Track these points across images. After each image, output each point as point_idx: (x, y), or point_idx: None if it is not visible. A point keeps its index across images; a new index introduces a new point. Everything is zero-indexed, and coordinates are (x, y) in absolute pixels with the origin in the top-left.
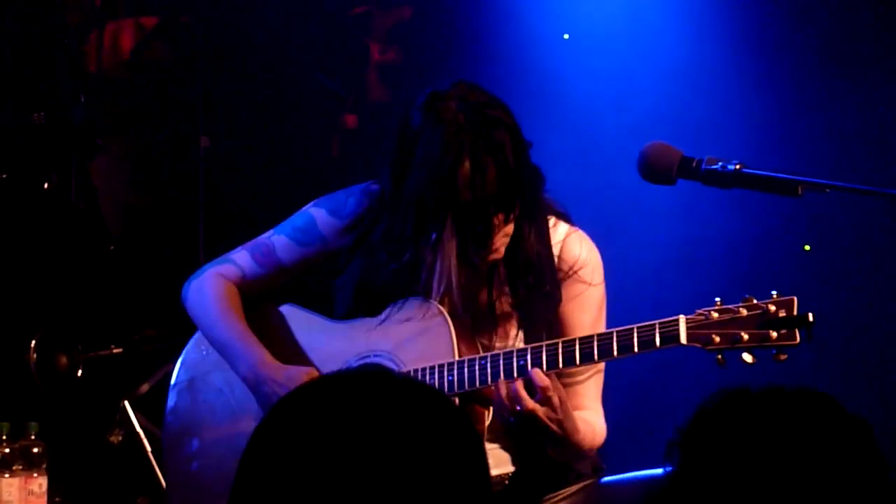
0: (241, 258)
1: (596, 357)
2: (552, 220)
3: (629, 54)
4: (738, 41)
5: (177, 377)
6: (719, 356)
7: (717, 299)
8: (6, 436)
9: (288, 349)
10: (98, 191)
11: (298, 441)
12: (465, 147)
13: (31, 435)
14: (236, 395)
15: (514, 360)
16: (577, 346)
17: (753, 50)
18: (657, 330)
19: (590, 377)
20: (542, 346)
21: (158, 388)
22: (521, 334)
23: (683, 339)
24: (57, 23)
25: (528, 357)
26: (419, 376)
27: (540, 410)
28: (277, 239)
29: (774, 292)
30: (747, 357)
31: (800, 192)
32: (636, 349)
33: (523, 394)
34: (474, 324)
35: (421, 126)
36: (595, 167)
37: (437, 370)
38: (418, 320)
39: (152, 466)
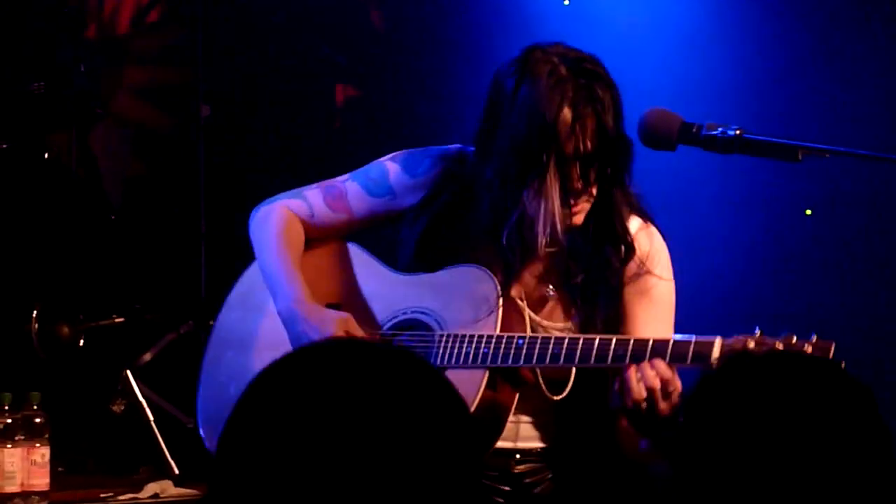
0: (313, 196)
1: (628, 358)
2: (626, 211)
3: (630, 21)
4: (742, 7)
5: (234, 289)
6: None
7: (758, 329)
8: (8, 406)
9: (339, 287)
10: (98, 160)
11: (278, 416)
12: (567, 96)
13: (33, 405)
14: (277, 326)
15: (550, 348)
16: (612, 346)
17: (758, 18)
18: (692, 347)
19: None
20: (578, 339)
21: (160, 358)
22: (575, 319)
23: (714, 363)
24: None
25: (564, 347)
26: (456, 342)
27: (661, 401)
28: (350, 185)
29: (815, 335)
30: None
31: (800, 157)
32: (668, 360)
33: (651, 375)
34: (532, 298)
35: (519, 79)
36: None
37: (474, 340)
38: (473, 287)
39: (155, 436)
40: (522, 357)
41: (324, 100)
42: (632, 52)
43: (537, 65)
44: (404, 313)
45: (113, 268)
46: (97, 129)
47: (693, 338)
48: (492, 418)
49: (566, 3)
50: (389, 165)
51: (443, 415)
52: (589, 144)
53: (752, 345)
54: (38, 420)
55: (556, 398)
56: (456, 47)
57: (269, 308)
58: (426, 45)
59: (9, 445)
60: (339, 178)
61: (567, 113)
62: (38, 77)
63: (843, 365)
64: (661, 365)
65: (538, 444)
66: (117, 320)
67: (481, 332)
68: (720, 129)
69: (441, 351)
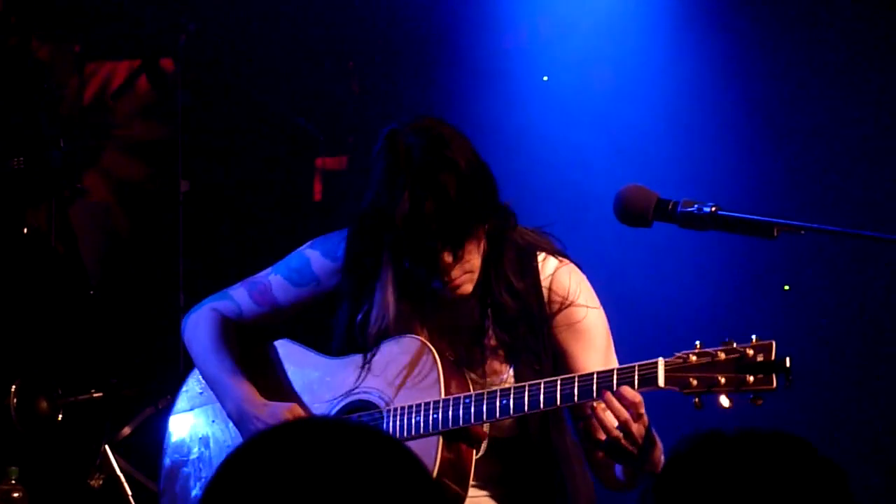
0: (238, 295)
1: (576, 398)
2: (541, 255)
3: (607, 96)
4: (716, 85)
5: (176, 409)
6: (696, 399)
7: (697, 342)
8: None
9: (279, 384)
10: (77, 235)
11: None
12: (405, 181)
13: (11, 479)
14: (230, 428)
15: (497, 399)
16: (559, 387)
17: (732, 93)
18: (636, 372)
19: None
20: (524, 387)
21: (139, 432)
22: (511, 369)
23: (661, 383)
24: (36, 67)
25: (511, 398)
26: (405, 414)
27: (633, 426)
28: (274, 278)
29: (754, 336)
30: (724, 401)
31: (776, 233)
32: (615, 390)
33: (619, 407)
34: (465, 358)
35: (375, 156)
36: (572, 208)
37: (422, 408)
38: (408, 358)
39: None
40: (472, 416)
41: (303, 172)
42: (609, 127)
43: (390, 144)
44: (347, 396)
45: (91, 343)
46: (76, 205)
47: (636, 364)
48: (455, 481)
49: (545, 79)
50: (309, 253)
51: (407, 484)
52: (426, 226)
53: (693, 358)
54: (16, 495)
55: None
56: (439, 114)
57: (213, 416)
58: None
59: None
60: (262, 273)
61: (404, 198)
62: (18, 153)
63: (787, 363)
64: (627, 391)
65: None
66: (95, 395)
67: (427, 400)
68: (696, 206)
69: (392, 425)
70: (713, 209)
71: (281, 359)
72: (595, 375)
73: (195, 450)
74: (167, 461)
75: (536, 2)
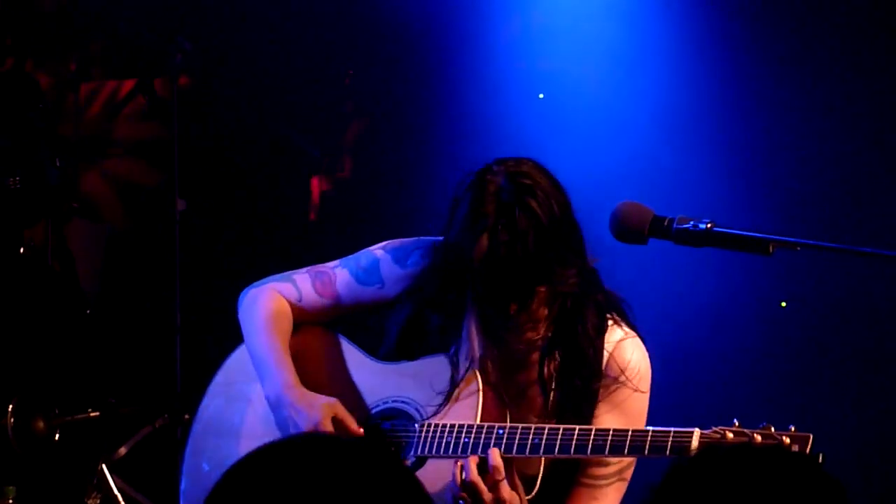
0: (302, 280)
1: (607, 451)
2: (610, 322)
3: (603, 114)
4: (712, 101)
5: (215, 378)
6: None
7: (736, 421)
8: None
9: (323, 376)
10: (74, 254)
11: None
12: (486, 223)
13: (8, 499)
14: (266, 410)
15: (531, 436)
16: (591, 437)
17: (728, 109)
18: (671, 439)
19: (611, 484)
20: (558, 429)
21: (135, 452)
22: (552, 422)
23: (692, 454)
24: (32, 87)
25: (544, 436)
26: (437, 431)
27: (485, 493)
28: (340, 272)
29: (793, 426)
30: None
31: (771, 250)
32: (647, 452)
33: (472, 466)
34: (513, 398)
35: (462, 192)
36: None
37: (454, 429)
38: (453, 378)
39: None
40: (503, 447)
41: (299, 192)
42: (603, 143)
43: (480, 182)
44: (385, 402)
45: (88, 362)
46: (73, 224)
47: (672, 430)
48: None
49: (541, 97)
50: (380, 255)
51: None
52: (505, 269)
53: (730, 436)
54: None
55: (526, 497)
56: (434, 140)
57: (253, 396)
58: (403, 138)
59: None
60: (329, 264)
61: (483, 240)
62: (14, 172)
63: (820, 459)
64: (494, 455)
65: None
66: (92, 414)
67: (461, 422)
68: (691, 223)
69: (422, 440)
70: (709, 226)
71: (331, 352)
72: (630, 433)
73: (226, 424)
74: (195, 430)
75: (530, 18)
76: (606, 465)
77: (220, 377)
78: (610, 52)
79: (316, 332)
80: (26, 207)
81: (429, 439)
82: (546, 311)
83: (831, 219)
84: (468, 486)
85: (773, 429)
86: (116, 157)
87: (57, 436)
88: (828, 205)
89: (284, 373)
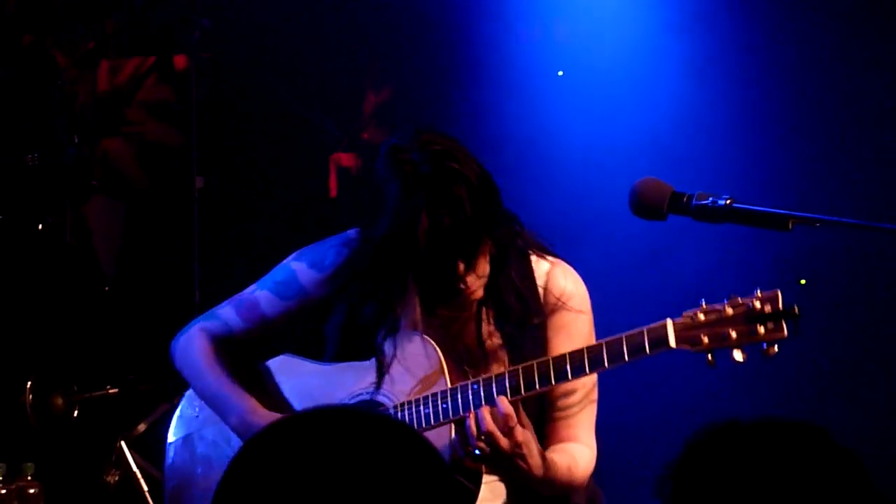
0: (226, 313)
1: (587, 369)
2: (534, 257)
3: (622, 91)
4: (731, 77)
5: (173, 434)
6: (709, 356)
7: (703, 301)
8: (2, 477)
9: (280, 396)
10: (92, 231)
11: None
12: (421, 202)
13: (27, 476)
14: (232, 447)
15: (507, 380)
16: (568, 361)
17: (746, 88)
18: (646, 335)
19: (582, 409)
20: (532, 364)
21: (155, 428)
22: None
23: (672, 343)
24: (50, 64)
25: (521, 376)
26: (413, 408)
27: (502, 440)
28: (260, 294)
29: (758, 289)
30: (738, 355)
31: (790, 226)
32: (626, 357)
33: (487, 416)
34: (465, 359)
35: (383, 178)
36: (586, 203)
37: (430, 400)
38: (410, 354)
39: None
40: (483, 398)
41: (318, 169)
42: (623, 121)
43: (397, 166)
44: (353, 398)
45: (107, 339)
46: (91, 201)
47: (644, 328)
48: (468, 473)
49: (560, 74)
50: (295, 265)
51: (420, 467)
52: (447, 242)
53: (701, 316)
54: (32, 491)
55: None
56: (452, 117)
57: (217, 438)
58: (423, 113)
59: None
60: (248, 290)
61: (423, 220)
62: (33, 149)
63: (796, 310)
64: (503, 403)
65: (504, 501)
66: (111, 391)
67: (433, 391)
68: (710, 199)
69: (402, 420)
70: (728, 202)
71: (277, 372)
72: (604, 344)
73: (198, 472)
74: (169, 485)
75: None
76: (572, 393)
77: (177, 433)
78: (629, 29)
79: (257, 358)
80: (45, 185)
81: (407, 417)
82: (485, 267)
83: (850, 195)
84: (487, 436)
85: (739, 297)
86: (137, 124)
87: (75, 413)
88: (848, 180)
89: (243, 401)
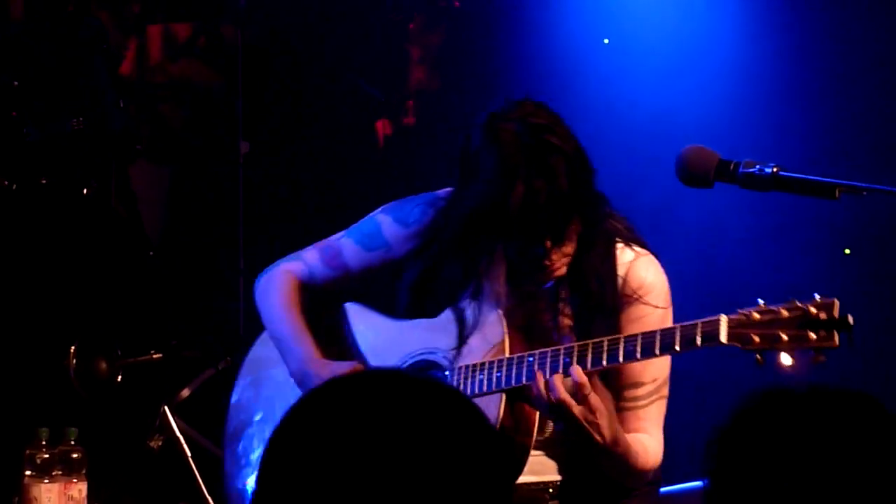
0: (310, 257)
1: (639, 354)
2: (620, 244)
3: (668, 58)
4: (780, 47)
5: (241, 372)
6: (758, 356)
7: (760, 301)
8: (46, 441)
9: (347, 346)
10: (137, 196)
11: (312, 443)
12: (519, 171)
13: (70, 440)
14: (296, 392)
15: (561, 356)
16: (622, 344)
17: (794, 55)
18: (699, 329)
19: (652, 402)
20: (587, 344)
21: (198, 394)
22: None
23: (723, 338)
24: (95, 28)
25: (575, 353)
26: (468, 372)
27: (575, 407)
28: (345, 242)
29: (817, 294)
30: (785, 359)
31: (837, 195)
32: (678, 347)
33: (558, 384)
34: (532, 337)
35: (479, 146)
36: (634, 170)
37: (486, 367)
38: (475, 321)
39: (192, 472)
40: (535, 372)
41: (365, 135)
42: (670, 89)
43: (495, 133)
44: (412, 357)
45: (151, 304)
46: (137, 166)
47: (698, 321)
48: (519, 434)
49: (606, 42)
50: (381, 218)
51: (469, 433)
52: (539, 215)
53: (756, 315)
54: (75, 455)
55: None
56: (499, 81)
57: (280, 378)
58: (469, 80)
59: (46, 480)
60: (334, 237)
61: (519, 189)
62: (78, 114)
63: (850, 320)
64: (576, 371)
65: (555, 478)
66: (155, 357)
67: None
68: (757, 167)
69: (455, 383)
70: (774, 170)
71: (349, 321)
72: (659, 333)
73: (258, 413)
74: (231, 424)
75: None
76: (641, 384)
77: (245, 370)
78: None
79: (334, 305)
80: (90, 150)
81: (461, 381)
82: (571, 246)
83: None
84: (558, 404)
85: (797, 301)
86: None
87: (119, 378)
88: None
89: (305, 347)
